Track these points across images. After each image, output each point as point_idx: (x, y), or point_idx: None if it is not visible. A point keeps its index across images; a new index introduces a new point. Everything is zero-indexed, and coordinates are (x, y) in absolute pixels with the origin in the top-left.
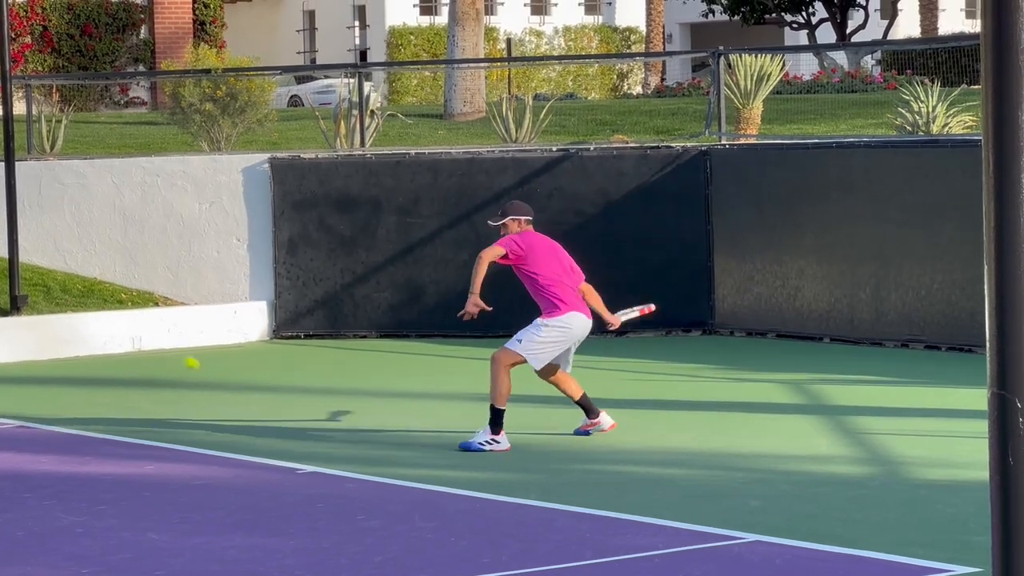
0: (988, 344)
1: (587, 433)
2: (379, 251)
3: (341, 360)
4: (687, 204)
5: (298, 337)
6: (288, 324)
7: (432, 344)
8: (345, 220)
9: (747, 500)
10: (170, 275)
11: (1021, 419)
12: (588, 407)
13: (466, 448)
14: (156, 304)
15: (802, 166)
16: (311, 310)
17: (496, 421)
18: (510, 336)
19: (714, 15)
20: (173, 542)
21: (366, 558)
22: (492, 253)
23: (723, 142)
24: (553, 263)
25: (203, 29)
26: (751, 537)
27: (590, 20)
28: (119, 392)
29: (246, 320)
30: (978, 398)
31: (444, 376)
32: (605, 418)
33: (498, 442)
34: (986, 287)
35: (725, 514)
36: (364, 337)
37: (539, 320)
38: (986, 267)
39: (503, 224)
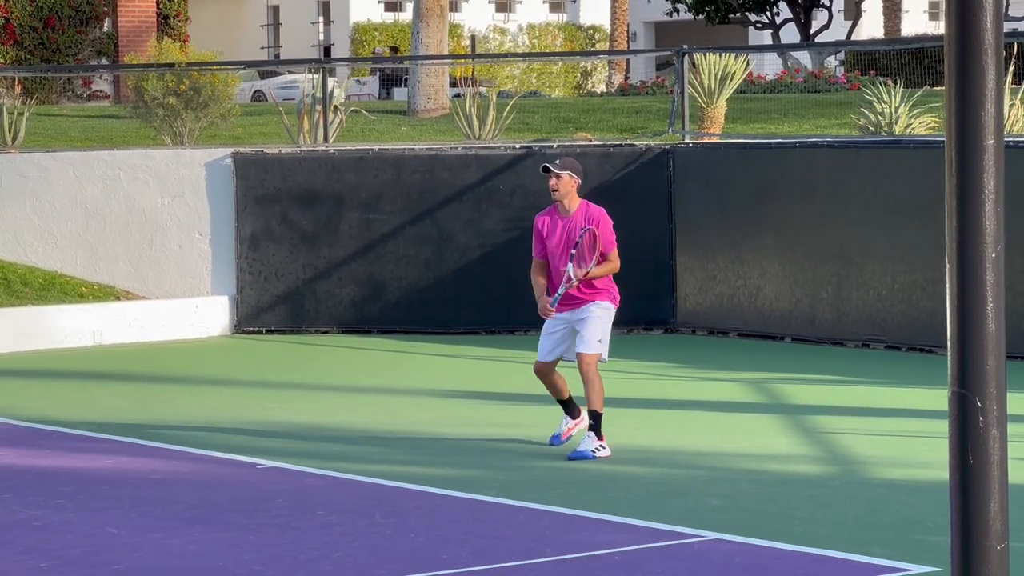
0: (949, 343)
1: (569, 439)
2: (341, 247)
3: (302, 355)
4: (650, 203)
5: (259, 332)
6: (250, 319)
7: (393, 340)
8: (308, 215)
9: (708, 498)
10: (132, 269)
11: (981, 418)
12: (572, 406)
13: (580, 457)
14: (117, 298)
15: (765, 166)
16: (273, 305)
17: (599, 426)
18: (472, 333)
19: (678, 14)
20: (132, 536)
21: (325, 554)
22: (616, 260)
23: (686, 141)
24: None
25: (167, 23)
26: (711, 535)
27: (554, 18)
28: (79, 386)
29: (207, 315)
30: (938, 398)
31: (405, 372)
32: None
33: (604, 447)
34: (948, 287)
35: (686, 512)
36: (326, 332)
37: (607, 304)
38: (948, 267)
39: (558, 177)
